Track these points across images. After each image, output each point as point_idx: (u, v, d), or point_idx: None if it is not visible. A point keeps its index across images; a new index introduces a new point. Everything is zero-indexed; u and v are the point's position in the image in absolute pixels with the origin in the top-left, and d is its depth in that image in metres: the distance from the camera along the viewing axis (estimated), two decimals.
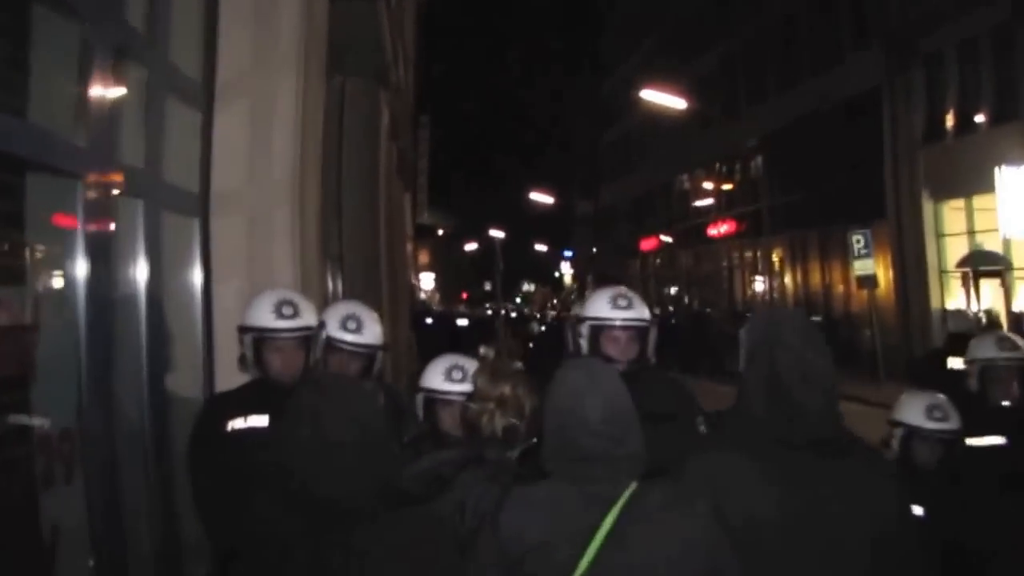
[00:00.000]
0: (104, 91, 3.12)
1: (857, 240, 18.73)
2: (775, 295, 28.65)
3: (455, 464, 2.85)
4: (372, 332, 3.76)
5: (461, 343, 19.73)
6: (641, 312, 3.78)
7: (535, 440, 2.93)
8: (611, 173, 50.16)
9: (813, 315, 25.71)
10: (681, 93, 26.80)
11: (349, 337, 3.68)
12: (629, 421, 2.43)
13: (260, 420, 3.37)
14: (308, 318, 3.54)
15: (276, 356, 3.46)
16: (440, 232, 68.98)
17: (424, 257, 66.23)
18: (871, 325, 19.92)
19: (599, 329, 3.73)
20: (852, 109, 22.87)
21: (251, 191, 4.44)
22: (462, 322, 25.56)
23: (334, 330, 3.67)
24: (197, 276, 4.28)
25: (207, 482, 3.42)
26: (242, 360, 3.54)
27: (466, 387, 3.28)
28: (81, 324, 2.95)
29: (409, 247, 32.34)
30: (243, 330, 3.51)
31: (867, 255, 18.69)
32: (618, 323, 3.71)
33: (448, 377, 3.43)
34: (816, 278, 26.58)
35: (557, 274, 69.52)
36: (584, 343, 3.73)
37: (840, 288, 24.81)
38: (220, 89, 4.33)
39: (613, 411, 2.40)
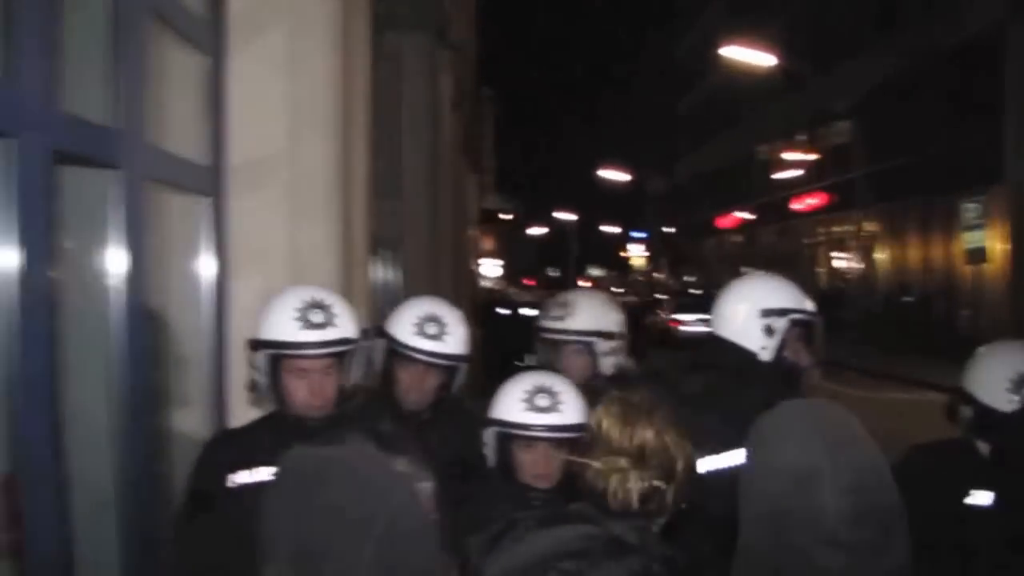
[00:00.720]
0: (42, 13, 2.13)
1: (968, 209, 16.77)
2: (866, 272, 26.75)
3: (578, 552, 1.79)
4: (457, 338, 2.88)
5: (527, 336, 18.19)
6: (803, 302, 2.87)
7: (684, 506, 1.97)
8: (686, 146, 48.40)
9: (905, 295, 24.07)
10: (765, 50, 24.07)
11: (428, 345, 2.81)
12: (894, 512, 1.42)
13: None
14: (345, 327, 2.57)
15: (299, 381, 2.51)
16: (506, 216, 67.85)
17: (488, 243, 65.21)
18: (975, 305, 18.06)
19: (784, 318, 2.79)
20: (966, 56, 19.99)
21: (280, 163, 3.44)
22: (528, 312, 23.59)
23: (408, 335, 2.82)
24: (207, 270, 3.29)
25: (197, 562, 2.46)
26: (253, 387, 2.57)
27: (555, 419, 2.47)
28: (11, 339, 1.98)
29: (472, 233, 31.41)
30: (256, 345, 2.54)
31: (979, 226, 16.78)
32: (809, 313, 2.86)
33: (531, 405, 2.50)
34: (914, 254, 24.35)
35: (624, 254, 68.07)
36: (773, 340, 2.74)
37: (941, 264, 22.71)
38: (233, 25, 3.32)
39: (870, 499, 1.40)
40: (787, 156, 32.29)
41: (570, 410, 2.49)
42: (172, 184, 3.03)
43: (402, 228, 9.42)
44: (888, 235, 25.76)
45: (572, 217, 53.13)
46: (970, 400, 2.78)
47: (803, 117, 29.97)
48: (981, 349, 2.92)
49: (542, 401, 2.49)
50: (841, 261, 29.86)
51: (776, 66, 24.71)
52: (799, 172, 31.39)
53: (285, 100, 3.38)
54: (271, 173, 3.40)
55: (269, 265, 3.41)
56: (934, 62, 21.15)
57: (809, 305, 2.83)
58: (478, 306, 23.35)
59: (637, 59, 60.26)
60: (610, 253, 67.74)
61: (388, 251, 9.09)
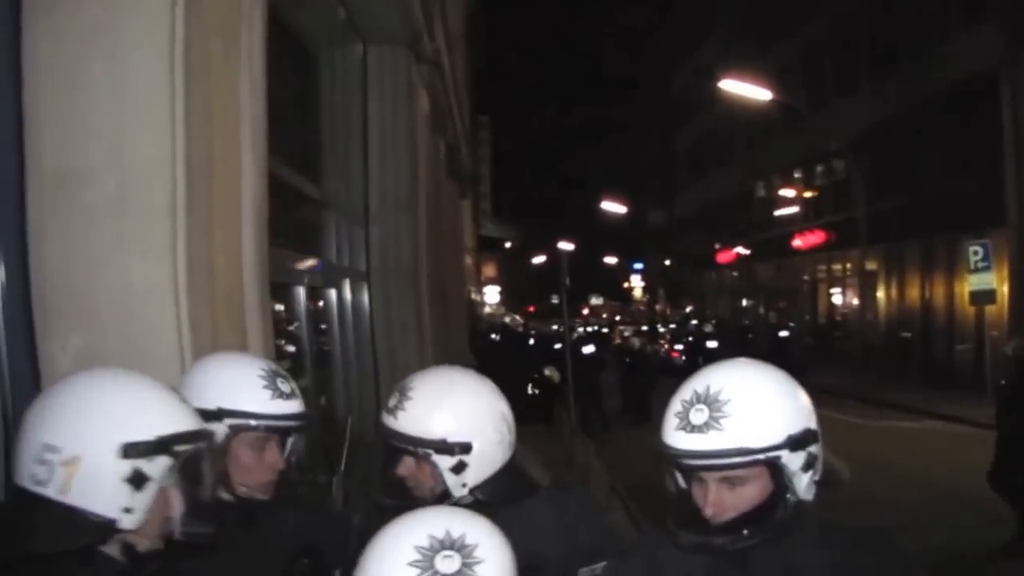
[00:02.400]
0: None
1: (975, 252, 16.37)
2: (866, 308, 25.93)
3: None
4: (299, 394, 2.19)
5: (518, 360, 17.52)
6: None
7: None
8: (685, 180, 47.77)
9: (904, 331, 23.35)
10: (762, 85, 23.87)
11: (291, 406, 2.11)
12: None
13: None
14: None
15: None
16: (508, 244, 67.52)
17: (490, 270, 64.82)
18: (981, 342, 17.56)
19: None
20: (963, 97, 19.79)
21: (103, 171, 2.49)
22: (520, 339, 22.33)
23: (262, 400, 2.07)
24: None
25: None
26: None
27: None
28: None
29: (468, 260, 30.53)
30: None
31: (986, 268, 16.33)
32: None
33: None
34: (914, 292, 23.70)
35: (626, 285, 67.75)
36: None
37: (942, 303, 22.08)
38: None
39: None
40: (785, 193, 31.72)
41: None
42: None
43: (372, 255, 8.48)
44: (888, 273, 25.10)
45: (569, 246, 52.81)
46: None
47: (800, 154, 29.43)
48: None
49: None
50: (840, 297, 29.15)
51: (772, 101, 24.22)
52: (797, 209, 30.85)
53: (107, 83, 2.42)
54: (90, 186, 2.44)
55: (92, 316, 2.45)
56: (932, 102, 20.86)
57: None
58: (473, 332, 22.60)
59: (635, 93, 59.88)
60: (612, 283, 67.56)
61: (358, 281, 8.18)
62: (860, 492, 1.90)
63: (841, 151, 24.71)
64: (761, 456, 1.76)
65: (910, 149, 21.87)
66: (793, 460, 1.78)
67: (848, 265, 27.54)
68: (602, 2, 72.09)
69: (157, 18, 2.42)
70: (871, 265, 25.14)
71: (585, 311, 63.19)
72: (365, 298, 8.27)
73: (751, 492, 1.80)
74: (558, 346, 17.91)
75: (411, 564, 1.43)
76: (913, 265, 23.64)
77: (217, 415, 2.01)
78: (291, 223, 5.96)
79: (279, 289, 5.28)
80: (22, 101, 2.38)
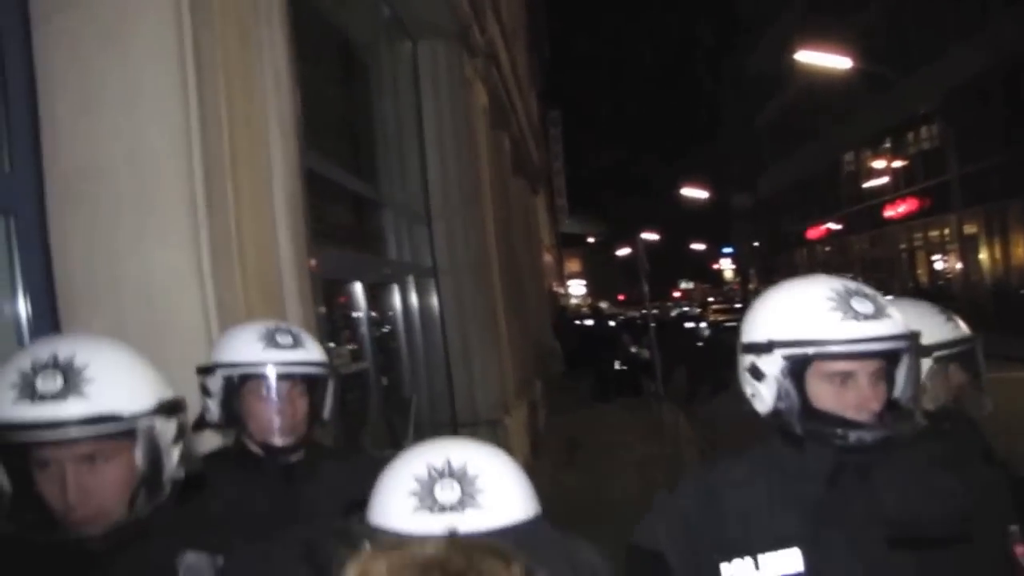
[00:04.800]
0: None
1: None
2: (968, 272, 24.94)
3: None
4: (315, 345, 2.27)
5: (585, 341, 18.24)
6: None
7: None
8: (768, 161, 46.75)
9: (1019, 288, 22.39)
10: (842, 54, 22.87)
11: (288, 355, 2.15)
12: None
13: None
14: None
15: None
16: (590, 240, 67.52)
17: (574, 265, 64.97)
18: None
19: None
20: None
21: (118, 167, 2.57)
22: (587, 323, 22.61)
23: (256, 352, 2.14)
24: (22, 310, 2.46)
25: None
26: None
27: None
28: None
29: (548, 257, 30.46)
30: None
31: None
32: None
33: None
34: (1020, 251, 22.65)
35: (716, 267, 67.41)
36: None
37: None
38: None
39: None
40: (875, 164, 30.73)
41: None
42: None
43: (437, 252, 8.55)
44: (989, 235, 24.03)
45: (653, 236, 52.56)
46: None
47: (888, 122, 28.44)
48: None
49: None
50: (941, 263, 28.12)
51: (854, 69, 23.32)
52: (887, 179, 29.85)
53: (120, 84, 2.51)
54: (109, 182, 2.53)
55: (114, 303, 2.54)
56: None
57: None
58: (557, 321, 23.41)
59: (714, 76, 59.02)
60: (702, 267, 67.50)
61: (420, 280, 8.26)
62: None
63: (931, 114, 23.70)
64: (911, 341, 1.77)
65: (1006, 105, 20.88)
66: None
67: (946, 231, 26.50)
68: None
69: (165, 18, 2.50)
70: (970, 229, 24.02)
71: (676, 294, 63.56)
72: (433, 292, 8.35)
73: (885, 386, 1.78)
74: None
75: (411, 494, 1.42)
76: (1018, 224, 22.61)
77: (211, 369, 2.14)
78: (348, 224, 6.07)
79: (335, 285, 5.40)
80: (37, 104, 2.48)
